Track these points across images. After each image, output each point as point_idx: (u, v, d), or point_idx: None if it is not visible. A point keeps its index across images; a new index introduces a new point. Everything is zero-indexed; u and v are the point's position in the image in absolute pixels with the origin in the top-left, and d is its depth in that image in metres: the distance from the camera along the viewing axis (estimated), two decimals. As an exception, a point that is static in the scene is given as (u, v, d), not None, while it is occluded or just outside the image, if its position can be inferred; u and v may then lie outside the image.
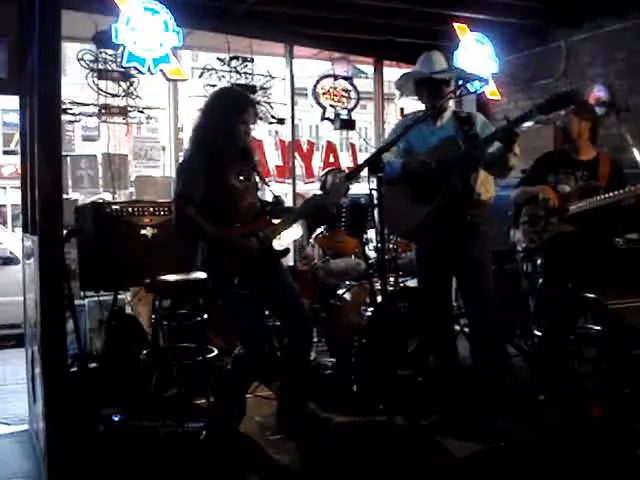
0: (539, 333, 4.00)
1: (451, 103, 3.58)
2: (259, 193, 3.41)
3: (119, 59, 4.86)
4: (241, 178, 3.21)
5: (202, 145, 3.13)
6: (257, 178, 3.35)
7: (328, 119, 6.54)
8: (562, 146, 3.79)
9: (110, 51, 4.95)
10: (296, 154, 6.35)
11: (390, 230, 3.90)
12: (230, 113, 3.15)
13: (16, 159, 8.76)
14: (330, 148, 6.61)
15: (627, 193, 3.40)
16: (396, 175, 3.33)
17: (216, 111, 3.18)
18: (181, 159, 3.26)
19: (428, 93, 3.44)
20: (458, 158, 3.23)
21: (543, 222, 3.63)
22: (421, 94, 3.52)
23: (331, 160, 6.52)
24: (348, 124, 6.53)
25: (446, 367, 3.52)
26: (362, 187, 4.07)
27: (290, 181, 6.28)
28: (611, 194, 3.42)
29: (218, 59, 5.85)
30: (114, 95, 5.14)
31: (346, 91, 6.61)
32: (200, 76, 5.87)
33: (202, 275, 3.65)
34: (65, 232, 3.34)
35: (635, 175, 4.02)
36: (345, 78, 6.65)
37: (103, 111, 5.15)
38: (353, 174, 3.40)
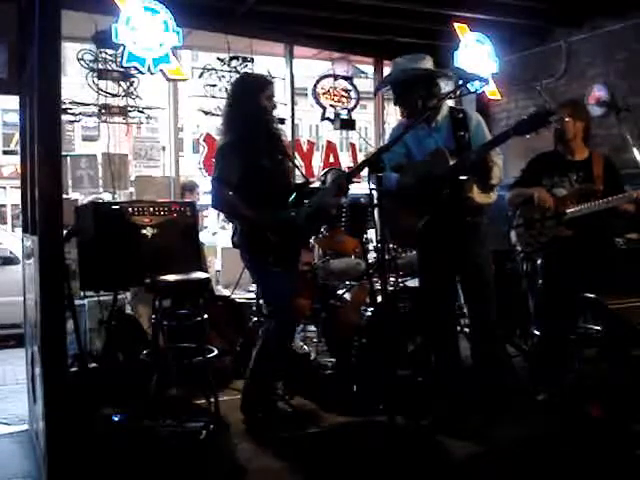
0: (539, 333, 4.00)
1: (448, 101, 3.56)
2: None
3: (119, 59, 4.86)
4: (273, 159, 3.44)
5: (234, 130, 3.38)
6: (288, 161, 3.64)
7: (328, 119, 6.54)
8: (555, 147, 3.77)
9: (110, 51, 4.95)
10: (296, 154, 6.35)
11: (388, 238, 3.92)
12: (253, 92, 3.40)
13: (16, 159, 8.77)
14: (330, 148, 6.60)
15: (624, 198, 3.39)
16: (390, 189, 3.33)
17: (240, 95, 3.45)
18: (219, 145, 3.51)
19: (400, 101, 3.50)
20: (447, 172, 3.22)
21: (539, 225, 3.61)
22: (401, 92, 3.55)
23: (331, 160, 6.52)
24: (348, 124, 6.53)
25: (447, 367, 3.51)
26: (362, 187, 4.07)
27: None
28: (609, 199, 3.41)
29: (218, 59, 5.85)
30: (114, 95, 5.13)
31: (346, 91, 6.61)
32: (200, 76, 5.87)
33: (202, 275, 3.66)
34: (65, 232, 3.34)
35: (635, 175, 4.02)
36: (345, 78, 6.65)
37: (103, 111, 5.14)
38: (353, 174, 3.43)
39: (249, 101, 3.39)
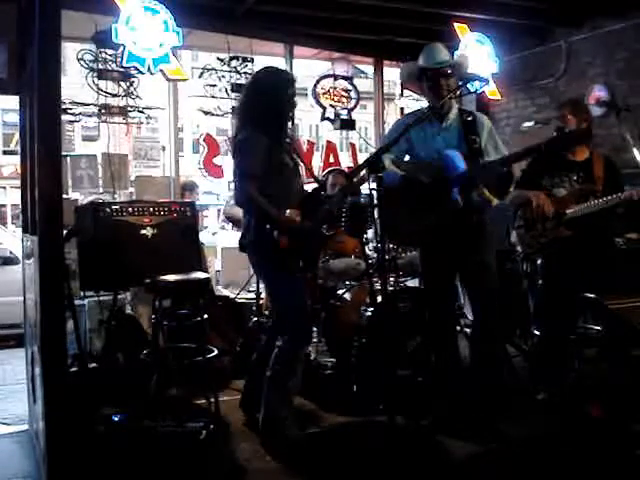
0: (539, 333, 4.00)
1: (455, 101, 3.52)
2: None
3: (119, 59, 4.87)
4: (292, 159, 3.31)
5: (259, 123, 3.19)
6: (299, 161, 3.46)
7: (328, 119, 6.54)
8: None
9: (110, 51, 4.95)
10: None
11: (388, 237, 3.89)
12: (281, 89, 3.26)
13: (16, 159, 8.79)
14: (330, 148, 6.60)
15: (624, 198, 3.39)
16: (392, 186, 3.31)
17: (267, 89, 3.25)
18: (239, 138, 3.25)
19: (427, 86, 3.38)
20: (459, 176, 3.19)
21: (540, 226, 3.61)
22: (422, 89, 3.47)
23: (331, 160, 6.52)
24: (348, 124, 6.53)
25: (447, 367, 3.51)
26: (362, 187, 4.06)
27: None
28: (608, 198, 3.41)
29: (218, 59, 5.85)
30: (114, 95, 5.13)
31: (346, 91, 6.60)
32: (200, 76, 5.87)
33: (202, 275, 3.66)
34: (65, 232, 3.34)
35: (635, 175, 4.01)
36: (345, 78, 6.65)
37: (103, 111, 5.15)
38: (354, 175, 3.41)
39: (277, 96, 3.23)
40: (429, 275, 3.59)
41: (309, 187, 3.55)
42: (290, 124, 3.41)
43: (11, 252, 7.24)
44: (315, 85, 6.49)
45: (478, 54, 6.17)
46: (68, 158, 5.21)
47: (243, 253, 3.41)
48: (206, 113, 5.86)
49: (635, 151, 4.19)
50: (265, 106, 3.21)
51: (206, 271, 4.52)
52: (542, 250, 3.69)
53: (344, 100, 6.57)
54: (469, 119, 3.40)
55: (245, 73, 5.84)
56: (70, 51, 5.55)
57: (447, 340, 3.52)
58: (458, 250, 3.34)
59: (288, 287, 3.24)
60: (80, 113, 5.18)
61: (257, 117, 3.21)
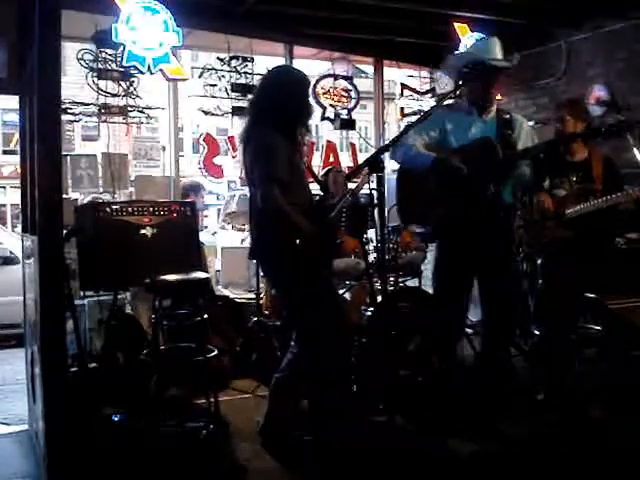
0: (539, 333, 4.00)
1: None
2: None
3: (119, 59, 4.87)
4: (301, 159, 3.21)
5: (278, 124, 3.03)
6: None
7: (328, 119, 6.54)
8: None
9: (110, 51, 4.96)
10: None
11: (407, 219, 3.74)
12: (302, 89, 3.16)
13: (16, 159, 8.76)
14: (330, 148, 6.60)
15: (624, 197, 3.39)
16: (423, 168, 3.24)
17: (287, 88, 3.10)
18: (260, 142, 3.04)
19: (480, 79, 3.29)
20: (493, 166, 3.16)
21: (540, 227, 3.61)
22: (469, 79, 3.30)
23: (331, 160, 6.52)
24: (348, 124, 6.53)
25: (452, 370, 3.48)
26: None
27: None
28: (608, 197, 3.41)
29: (218, 59, 5.85)
30: (114, 95, 5.13)
31: (346, 91, 6.60)
32: (200, 76, 5.87)
33: (202, 275, 3.66)
34: (65, 232, 3.34)
35: (635, 175, 4.02)
36: (345, 78, 6.65)
37: (103, 111, 5.15)
38: (354, 174, 3.38)
39: (299, 98, 3.12)
40: (445, 275, 3.45)
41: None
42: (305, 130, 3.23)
43: (11, 252, 7.24)
44: (315, 85, 6.48)
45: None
46: (68, 158, 5.21)
47: (243, 253, 3.37)
48: (206, 113, 5.86)
49: (635, 151, 4.20)
50: (284, 104, 3.06)
51: (206, 271, 4.52)
52: (542, 250, 3.69)
53: (344, 100, 6.57)
54: (506, 117, 3.39)
55: (245, 73, 5.84)
56: (70, 51, 5.54)
57: (454, 343, 3.49)
58: (480, 248, 3.24)
59: (316, 298, 3.05)
60: (80, 113, 5.18)
61: (273, 117, 3.05)
